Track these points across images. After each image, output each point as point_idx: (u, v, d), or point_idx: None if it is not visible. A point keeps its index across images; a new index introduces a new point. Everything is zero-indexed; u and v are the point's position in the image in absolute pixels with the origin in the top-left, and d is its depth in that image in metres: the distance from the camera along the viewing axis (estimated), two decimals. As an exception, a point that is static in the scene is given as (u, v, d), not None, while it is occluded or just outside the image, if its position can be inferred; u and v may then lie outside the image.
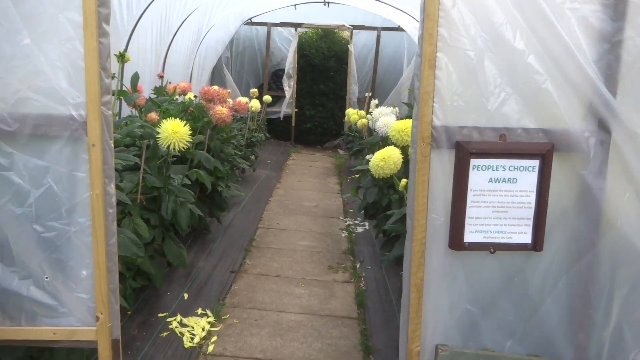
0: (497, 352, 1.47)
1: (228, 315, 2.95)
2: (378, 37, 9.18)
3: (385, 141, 4.08)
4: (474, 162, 1.41)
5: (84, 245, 1.57)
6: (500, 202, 1.45)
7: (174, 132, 2.72)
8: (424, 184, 1.44)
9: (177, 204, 2.87)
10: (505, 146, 1.42)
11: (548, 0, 1.40)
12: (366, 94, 9.23)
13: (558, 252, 1.51)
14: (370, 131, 5.01)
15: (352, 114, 7.25)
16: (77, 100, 1.52)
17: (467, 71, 1.43)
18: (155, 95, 4.43)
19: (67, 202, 1.55)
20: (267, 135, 7.78)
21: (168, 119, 2.79)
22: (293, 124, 9.24)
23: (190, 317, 2.88)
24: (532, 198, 1.45)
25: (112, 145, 1.56)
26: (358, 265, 3.81)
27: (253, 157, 6.43)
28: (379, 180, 3.83)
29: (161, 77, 5.76)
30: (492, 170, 1.43)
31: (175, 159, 3.31)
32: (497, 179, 1.44)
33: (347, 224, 4.83)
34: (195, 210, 3.01)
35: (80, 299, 1.59)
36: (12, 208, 1.55)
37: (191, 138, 2.79)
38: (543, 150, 1.41)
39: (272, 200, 5.55)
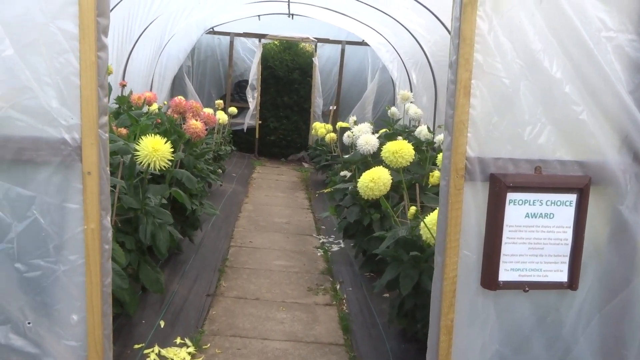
0: (529, 396, 1.39)
1: (209, 345, 2.76)
2: (342, 50, 9.15)
3: (365, 159, 4.01)
4: (510, 196, 1.33)
5: (75, 287, 1.37)
6: (537, 239, 1.37)
7: (155, 149, 2.54)
8: (457, 219, 1.35)
9: (156, 227, 2.67)
10: (542, 180, 1.35)
11: (586, 27, 1.34)
12: (331, 107, 9.18)
13: (592, 289, 1.45)
14: (345, 147, 4.93)
15: (320, 127, 7.16)
16: (71, 122, 1.34)
17: (503, 99, 1.35)
18: (117, 105, 4.19)
19: (56, 237, 1.36)
20: (233, 148, 7.58)
21: (143, 135, 2.60)
22: (257, 136, 9.07)
23: (169, 348, 2.68)
24: (568, 234, 1.38)
25: (109, 172, 1.39)
26: (338, 287, 3.69)
27: (220, 171, 6.22)
28: (360, 199, 3.74)
29: (124, 86, 5.50)
30: (529, 205, 1.36)
31: (150, 176, 3.11)
32: (534, 214, 1.36)
33: (321, 241, 4.71)
34: (174, 233, 2.81)
35: (70, 347, 1.40)
36: (-11, 244, 1.34)
37: (172, 156, 2.61)
38: (581, 184, 1.35)
39: (242, 216, 5.37)
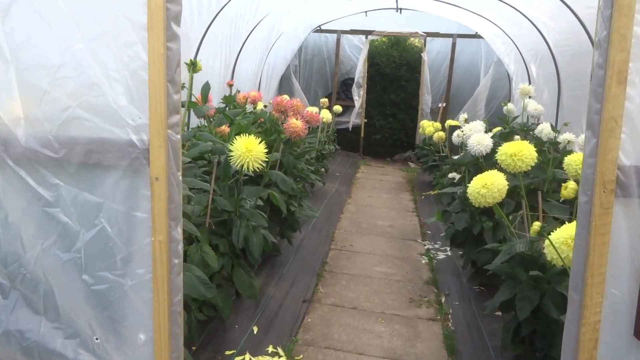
0: None
1: (301, 356, 2.60)
2: (453, 44, 8.64)
3: (476, 160, 3.63)
4: (683, 219, 0.98)
5: (143, 303, 1.25)
6: None
7: (248, 150, 2.41)
8: (603, 247, 1.02)
9: (249, 230, 2.55)
10: None
11: None
12: (440, 105, 8.73)
13: None
14: (455, 147, 4.54)
15: (427, 126, 6.79)
16: (139, 122, 1.21)
17: (674, 88, 1.00)
18: (224, 105, 4.20)
19: (124, 248, 1.24)
20: (337, 146, 7.45)
21: (242, 134, 2.49)
22: (362, 135, 8.87)
23: (260, 357, 2.55)
24: None
25: (180, 178, 1.24)
26: (443, 300, 3.36)
27: (323, 170, 6.10)
28: (470, 205, 3.38)
29: (231, 85, 5.56)
30: None
31: (246, 177, 3.01)
32: None
33: (426, 248, 4.38)
34: (268, 237, 2.68)
35: (136, 369, 1.28)
36: (57, 253, 1.25)
37: (267, 157, 2.47)
38: None
39: (343, 217, 5.19)
